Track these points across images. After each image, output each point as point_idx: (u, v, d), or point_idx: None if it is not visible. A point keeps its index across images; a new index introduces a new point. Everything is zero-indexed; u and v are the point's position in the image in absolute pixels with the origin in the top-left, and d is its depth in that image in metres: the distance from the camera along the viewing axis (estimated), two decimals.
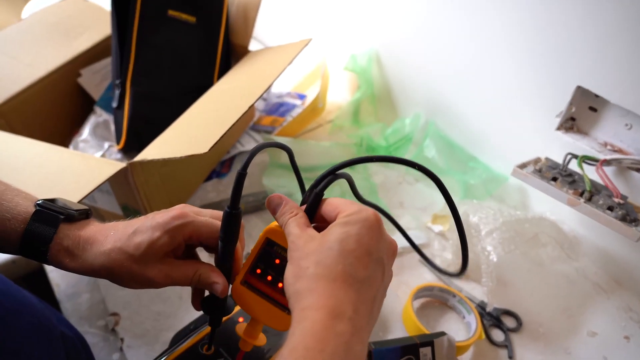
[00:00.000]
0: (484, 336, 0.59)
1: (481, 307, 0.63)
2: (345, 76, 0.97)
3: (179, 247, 0.42)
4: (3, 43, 0.77)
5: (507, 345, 0.59)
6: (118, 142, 0.74)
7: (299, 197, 0.46)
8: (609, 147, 0.62)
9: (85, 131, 0.77)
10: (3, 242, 0.39)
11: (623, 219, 0.53)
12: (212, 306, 0.44)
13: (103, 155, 0.75)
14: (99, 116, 0.79)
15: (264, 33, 1.23)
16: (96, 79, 0.82)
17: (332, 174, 0.39)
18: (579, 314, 0.64)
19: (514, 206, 0.74)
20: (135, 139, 0.73)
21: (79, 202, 0.52)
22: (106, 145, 0.77)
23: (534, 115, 0.69)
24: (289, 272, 0.32)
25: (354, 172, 0.80)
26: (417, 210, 0.78)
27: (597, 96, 0.60)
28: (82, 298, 0.62)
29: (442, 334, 0.54)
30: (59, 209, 0.41)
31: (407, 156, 0.84)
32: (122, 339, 0.57)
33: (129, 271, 0.39)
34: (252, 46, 0.86)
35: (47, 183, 0.55)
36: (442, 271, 0.65)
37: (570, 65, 0.61)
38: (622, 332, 0.62)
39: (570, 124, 0.66)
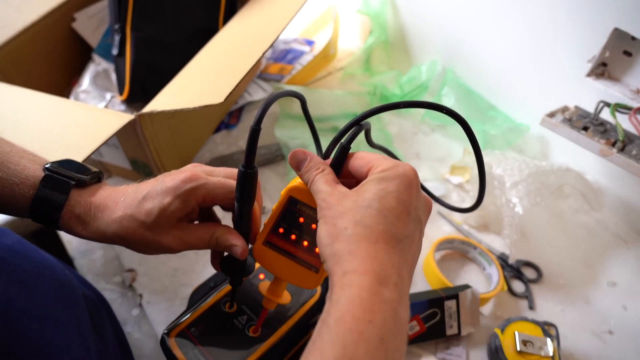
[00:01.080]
0: (506, 288, 0.58)
1: (502, 259, 0.62)
2: (357, 20, 0.92)
3: (193, 211, 0.40)
4: None
5: (527, 296, 0.59)
6: (121, 93, 0.70)
7: (313, 149, 0.44)
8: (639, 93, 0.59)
9: (85, 81, 0.72)
10: (12, 207, 0.37)
11: None
12: (231, 267, 0.43)
13: (106, 107, 0.71)
14: (98, 65, 0.75)
15: None
16: (92, 24, 0.76)
17: (357, 124, 0.35)
18: (598, 265, 0.63)
19: (534, 157, 0.72)
20: (139, 88, 0.69)
21: (87, 158, 0.49)
22: (108, 95, 0.72)
23: (562, 61, 0.65)
24: (323, 231, 0.30)
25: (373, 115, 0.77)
26: (434, 161, 0.75)
27: (634, 39, 0.56)
28: (95, 255, 0.61)
29: (467, 286, 0.53)
30: (70, 174, 0.38)
31: (419, 94, 0.81)
32: (140, 295, 0.56)
33: (142, 239, 0.38)
34: None
35: (51, 138, 0.52)
36: (452, 208, 0.64)
37: (607, 5, 0.57)
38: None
39: (601, 69, 0.62)
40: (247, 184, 0.37)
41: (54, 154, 0.48)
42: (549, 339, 0.50)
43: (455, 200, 0.69)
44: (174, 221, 0.38)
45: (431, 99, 0.78)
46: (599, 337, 0.56)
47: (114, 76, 0.74)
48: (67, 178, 0.38)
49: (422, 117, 0.81)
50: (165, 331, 0.46)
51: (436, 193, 0.69)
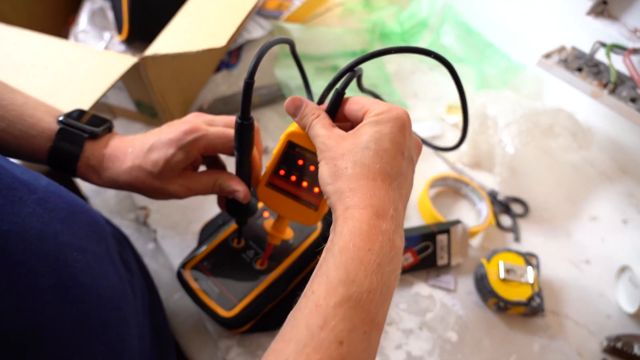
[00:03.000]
0: (494, 222, 0.63)
1: (492, 195, 0.66)
2: None
3: (197, 160, 0.43)
4: None
5: (513, 229, 0.63)
6: (120, 32, 0.70)
7: (305, 93, 0.45)
8: (638, 33, 0.60)
9: (83, 20, 0.71)
10: (31, 156, 0.40)
11: None
12: (236, 209, 0.47)
13: (106, 48, 0.71)
14: (94, 2, 0.73)
15: None
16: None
17: (351, 70, 0.37)
18: (582, 200, 0.67)
19: (528, 96, 0.74)
20: (138, 28, 0.69)
21: (96, 103, 0.51)
22: (107, 35, 0.72)
23: (556, 1, 0.65)
24: (325, 172, 0.32)
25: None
26: (432, 100, 0.77)
27: None
28: (108, 193, 0.64)
29: (457, 222, 0.57)
30: (83, 127, 0.40)
31: (423, 43, 0.80)
32: (155, 231, 0.60)
33: (151, 187, 0.41)
34: None
35: (57, 83, 0.53)
36: (436, 147, 0.67)
37: None
38: (622, 215, 0.66)
39: (601, 7, 0.62)
40: (245, 134, 0.40)
41: (61, 99, 0.50)
42: (529, 268, 0.55)
43: (450, 138, 0.72)
44: (179, 170, 0.41)
45: (431, 37, 0.78)
46: (576, 266, 0.61)
47: (110, 14, 0.73)
48: (80, 131, 0.40)
49: (421, 56, 0.81)
50: (181, 265, 0.51)
51: (432, 132, 0.72)
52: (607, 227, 0.65)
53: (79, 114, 0.42)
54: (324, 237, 0.53)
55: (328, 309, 0.26)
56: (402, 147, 0.32)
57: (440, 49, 0.77)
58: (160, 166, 0.40)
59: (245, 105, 0.38)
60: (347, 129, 0.34)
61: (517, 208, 0.66)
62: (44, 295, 0.27)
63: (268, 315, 0.52)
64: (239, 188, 0.43)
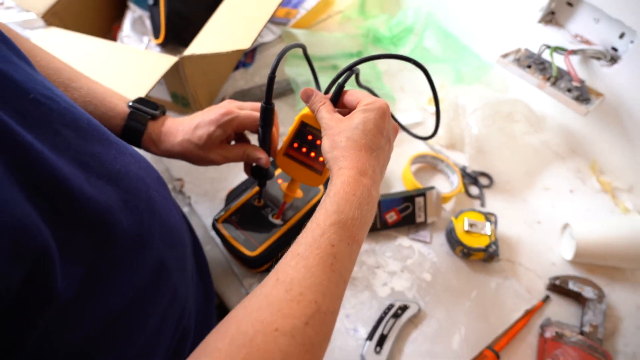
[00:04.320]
0: (463, 190, 0.77)
1: (463, 170, 0.80)
2: None
3: (230, 135, 0.57)
4: None
5: (480, 197, 0.78)
6: (157, 37, 0.84)
7: (314, 85, 0.60)
8: (578, 38, 0.74)
9: (126, 27, 0.86)
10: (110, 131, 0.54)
11: (577, 98, 0.68)
12: (258, 173, 0.61)
13: (145, 49, 0.85)
14: (134, 12, 0.88)
15: None
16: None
17: (349, 70, 0.51)
18: (537, 174, 0.82)
19: (496, 90, 0.88)
20: (172, 34, 0.83)
21: (147, 94, 0.65)
22: (145, 39, 0.87)
23: (520, 10, 0.79)
24: (326, 144, 0.46)
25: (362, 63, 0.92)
26: (416, 93, 0.91)
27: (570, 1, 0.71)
28: None
29: (432, 188, 0.72)
30: (146, 110, 0.55)
31: (409, 46, 0.95)
32: (189, 197, 0.75)
33: (197, 155, 0.55)
34: None
35: (115, 76, 0.68)
36: (414, 135, 0.82)
37: None
38: (569, 187, 0.81)
39: (550, 17, 0.77)
40: (268, 115, 0.54)
41: (119, 90, 0.64)
42: (488, 223, 0.69)
43: (430, 125, 0.86)
44: (217, 143, 0.56)
45: (416, 40, 0.93)
46: (529, 226, 0.75)
47: (147, 22, 0.88)
48: (144, 113, 0.55)
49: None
50: (214, 219, 0.66)
51: (415, 119, 0.86)
52: (557, 196, 0.79)
53: (141, 100, 0.56)
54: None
55: (325, 226, 0.40)
56: (382, 129, 0.46)
57: (423, 50, 0.91)
58: (204, 140, 0.54)
59: (268, 94, 0.52)
60: (345, 114, 0.48)
61: (483, 180, 0.80)
62: (142, 214, 0.41)
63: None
64: (262, 156, 0.57)
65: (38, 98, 0.34)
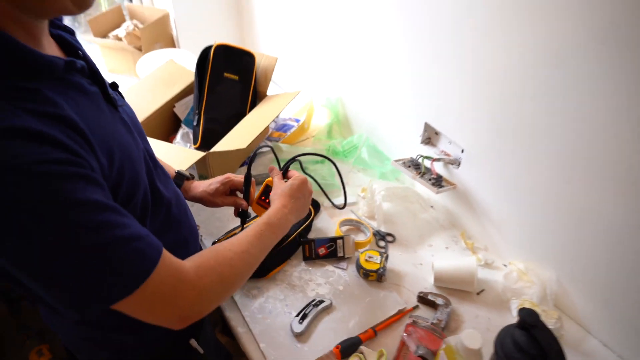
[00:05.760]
0: (372, 239, 1.21)
1: (376, 230, 1.25)
2: (323, 110, 1.62)
3: (227, 190, 1.06)
4: (137, 89, 1.44)
5: (384, 247, 1.21)
6: (195, 144, 1.40)
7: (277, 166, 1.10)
8: (442, 152, 1.24)
9: (178, 138, 1.42)
10: None
11: (433, 184, 1.15)
12: (242, 214, 1.09)
13: (188, 149, 1.40)
14: (184, 129, 1.45)
15: (278, 80, 1.89)
16: (183, 108, 1.48)
17: (292, 161, 1.01)
18: (427, 237, 1.25)
19: (403, 182, 1.37)
20: (204, 142, 1.38)
21: (187, 169, 1.17)
22: (188, 145, 1.42)
23: (411, 137, 1.32)
24: (273, 194, 0.94)
25: (325, 165, 1.43)
26: (355, 186, 1.40)
27: (436, 132, 1.23)
28: None
29: (349, 235, 1.16)
30: (185, 174, 1.06)
31: (353, 158, 1.47)
32: (201, 235, 1.21)
33: (209, 200, 1.04)
34: (270, 89, 1.52)
35: (172, 160, 1.20)
36: (334, 205, 1.29)
37: (422, 107, 1.24)
38: (446, 245, 1.23)
39: (427, 140, 1.28)
40: (247, 182, 1.04)
41: (173, 165, 1.16)
42: (380, 256, 1.12)
43: (360, 205, 1.33)
44: (220, 193, 1.05)
45: (357, 152, 1.45)
46: (414, 266, 1.17)
47: (191, 136, 1.44)
48: (182, 177, 1.06)
49: (353, 163, 1.48)
50: (214, 241, 1.11)
51: (351, 200, 1.34)
52: (436, 250, 1.22)
53: (182, 172, 1.08)
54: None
55: (260, 224, 0.83)
56: (300, 189, 0.94)
57: (361, 160, 1.43)
58: (213, 191, 1.04)
59: (247, 181, 1.03)
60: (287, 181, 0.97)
61: (389, 238, 1.24)
62: (180, 207, 0.88)
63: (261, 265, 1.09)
64: (244, 203, 1.06)
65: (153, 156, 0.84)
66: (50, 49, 0.60)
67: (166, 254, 0.62)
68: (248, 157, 1.48)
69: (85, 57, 0.66)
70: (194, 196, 1.05)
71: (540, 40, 0.88)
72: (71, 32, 0.68)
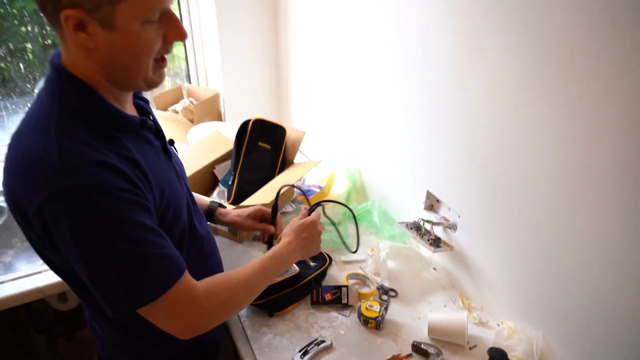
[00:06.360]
0: (375, 292, 1.33)
1: (380, 285, 1.37)
2: (343, 178, 1.82)
3: (258, 217, 1.26)
4: (186, 152, 1.71)
5: (386, 301, 1.33)
6: (229, 200, 1.62)
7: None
8: (442, 218, 1.39)
9: (214, 195, 1.65)
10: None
11: (431, 244, 1.29)
12: (269, 239, 1.26)
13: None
14: (220, 188, 1.68)
15: (305, 150, 2.14)
16: (221, 171, 1.72)
17: (317, 205, 1.20)
18: (427, 295, 1.36)
19: (409, 243, 1.50)
20: (236, 199, 1.60)
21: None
22: (222, 201, 1.64)
23: (417, 203, 1.48)
24: (285, 230, 1.12)
25: (341, 226, 1.60)
26: (366, 246, 1.55)
27: (437, 199, 1.39)
28: None
29: (353, 285, 1.30)
30: (217, 204, 1.27)
31: (367, 220, 1.63)
32: None
33: (240, 222, 1.25)
34: (297, 157, 1.74)
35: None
36: (347, 247, 1.43)
37: (424, 176, 1.42)
38: (444, 303, 1.33)
39: (430, 206, 1.44)
40: (275, 210, 1.23)
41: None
42: (380, 306, 1.23)
43: (369, 262, 1.47)
44: (251, 217, 1.24)
45: (370, 215, 1.62)
46: (413, 319, 1.27)
47: (226, 193, 1.67)
48: (215, 205, 1.26)
49: (366, 226, 1.64)
50: None
51: (363, 257, 1.48)
52: (435, 307, 1.32)
53: (215, 201, 1.28)
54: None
55: (266, 257, 1.01)
56: (307, 230, 1.11)
57: (373, 223, 1.59)
58: (245, 214, 1.24)
59: (275, 206, 1.23)
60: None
61: (392, 292, 1.36)
62: (210, 241, 1.07)
63: (273, 300, 1.24)
64: (272, 230, 1.24)
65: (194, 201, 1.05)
66: (131, 110, 0.84)
67: (186, 276, 0.79)
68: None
69: (154, 119, 0.90)
70: (227, 220, 1.25)
71: (522, 130, 1.06)
72: (146, 101, 0.93)
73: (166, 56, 0.77)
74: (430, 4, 1.23)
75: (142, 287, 0.73)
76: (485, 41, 1.08)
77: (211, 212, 1.27)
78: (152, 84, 0.78)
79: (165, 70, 0.80)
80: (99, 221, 0.67)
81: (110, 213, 0.68)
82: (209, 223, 1.25)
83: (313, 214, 1.15)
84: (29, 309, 1.81)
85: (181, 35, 0.74)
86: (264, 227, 1.25)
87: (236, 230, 1.51)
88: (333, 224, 1.42)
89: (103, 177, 0.67)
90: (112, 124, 0.75)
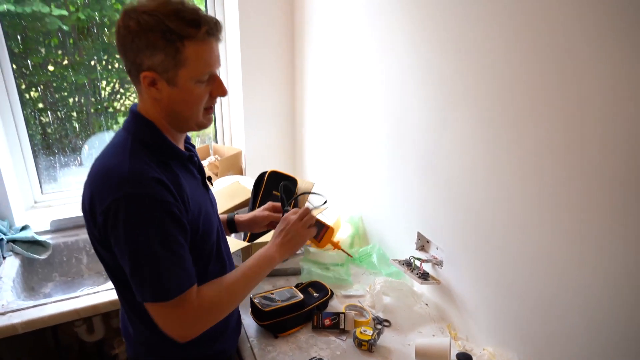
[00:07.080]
0: (370, 321, 1.48)
1: (375, 315, 1.52)
2: (347, 225, 2.02)
3: (272, 210, 1.45)
4: None
5: (379, 330, 1.47)
6: (245, 239, 1.83)
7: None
8: (432, 256, 1.56)
9: (233, 235, 1.87)
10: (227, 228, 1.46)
11: (419, 277, 1.46)
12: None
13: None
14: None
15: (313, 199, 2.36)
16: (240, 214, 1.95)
17: (298, 196, 1.40)
18: (418, 326, 1.50)
19: (403, 280, 1.66)
20: (251, 239, 1.81)
21: (234, 252, 1.58)
22: (240, 239, 1.85)
23: (408, 243, 1.66)
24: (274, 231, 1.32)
25: (343, 267, 1.78)
26: (365, 284, 1.72)
27: (427, 240, 1.58)
28: None
29: (350, 312, 1.45)
30: (233, 213, 1.48)
31: (367, 262, 1.81)
32: None
33: (260, 215, 1.42)
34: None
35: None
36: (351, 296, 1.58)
37: (414, 217, 1.61)
38: (433, 333, 1.47)
39: (421, 246, 1.62)
40: (286, 190, 1.43)
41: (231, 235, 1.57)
42: (373, 331, 1.38)
43: (367, 297, 1.63)
44: (266, 212, 1.43)
45: (369, 258, 1.80)
46: (403, 345, 1.41)
47: (242, 235, 1.88)
48: (232, 214, 1.47)
49: (366, 267, 1.81)
50: (250, 296, 1.46)
51: (359, 293, 1.64)
52: (424, 336, 1.45)
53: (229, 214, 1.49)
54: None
55: (252, 264, 1.21)
56: (294, 228, 1.30)
57: (371, 263, 1.76)
58: (261, 209, 1.43)
59: (282, 197, 1.43)
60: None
61: (386, 323, 1.51)
62: (225, 243, 1.27)
63: (279, 322, 1.40)
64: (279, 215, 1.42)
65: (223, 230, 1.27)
66: (182, 146, 1.10)
67: (193, 289, 0.98)
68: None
69: (197, 159, 1.15)
70: (247, 219, 1.42)
71: (506, 172, 1.28)
72: (193, 146, 1.19)
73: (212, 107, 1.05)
74: (416, 75, 1.50)
75: (156, 286, 0.92)
76: (459, 99, 1.32)
77: (231, 220, 1.46)
78: (202, 126, 1.04)
79: (197, 132, 1.07)
80: (145, 222, 0.89)
81: (156, 217, 0.90)
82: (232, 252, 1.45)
83: (292, 214, 1.28)
84: (56, 341, 1.99)
85: (223, 93, 1.00)
86: (278, 217, 1.41)
87: None
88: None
89: (156, 188, 0.91)
90: (168, 154, 1.01)
